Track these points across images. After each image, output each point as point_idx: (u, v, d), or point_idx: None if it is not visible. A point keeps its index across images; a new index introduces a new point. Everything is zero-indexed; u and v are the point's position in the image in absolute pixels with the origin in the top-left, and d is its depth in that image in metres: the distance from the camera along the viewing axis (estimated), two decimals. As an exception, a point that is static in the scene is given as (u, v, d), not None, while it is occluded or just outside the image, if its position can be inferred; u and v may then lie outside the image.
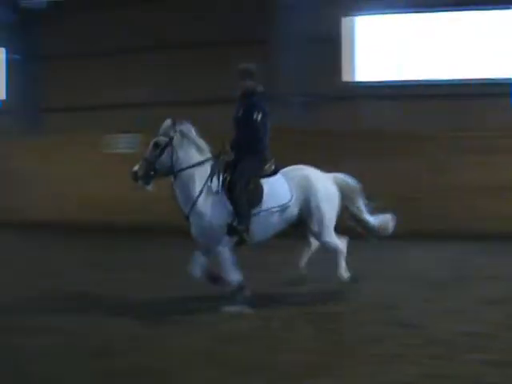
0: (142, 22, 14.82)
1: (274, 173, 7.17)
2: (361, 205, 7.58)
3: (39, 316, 6.53)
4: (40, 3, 15.63)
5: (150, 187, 6.90)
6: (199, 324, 6.26)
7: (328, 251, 7.38)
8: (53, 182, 14.34)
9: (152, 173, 6.84)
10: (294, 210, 7.10)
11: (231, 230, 6.80)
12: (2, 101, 16.29)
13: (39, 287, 8.01)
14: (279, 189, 7.05)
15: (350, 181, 7.61)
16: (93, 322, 6.29)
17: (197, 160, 6.94)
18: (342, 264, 7.34)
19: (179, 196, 6.92)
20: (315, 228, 7.22)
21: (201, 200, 6.84)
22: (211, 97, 14.04)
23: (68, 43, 15.44)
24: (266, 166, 7.14)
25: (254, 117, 7.03)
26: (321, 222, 7.19)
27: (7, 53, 16.13)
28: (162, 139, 6.91)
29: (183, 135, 7.00)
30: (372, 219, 7.61)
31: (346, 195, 7.48)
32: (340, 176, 7.61)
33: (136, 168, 6.83)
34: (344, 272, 7.32)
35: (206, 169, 6.96)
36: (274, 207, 6.98)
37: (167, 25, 14.56)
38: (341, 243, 7.39)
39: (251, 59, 13.61)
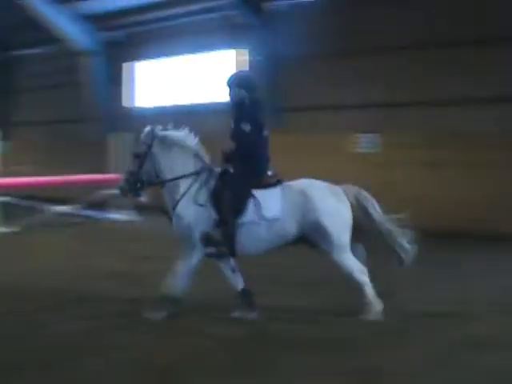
0: (379, 22, 15.32)
1: (275, 185, 6.98)
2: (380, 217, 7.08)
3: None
4: (281, 5, 16.77)
5: (142, 198, 7.15)
6: (440, 327, 6.55)
7: (344, 274, 6.93)
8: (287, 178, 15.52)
9: (139, 184, 7.02)
10: (286, 225, 6.82)
11: (206, 239, 6.83)
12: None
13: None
14: (269, 201, 6.82)
15: (363, 193, 7.18)
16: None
17: (182, 172, 6.96)
18: (368, 294, 6.83)
19: (167, 201, 7.03)
20: (324, 246, 6.89)
21: (182, 202, 6.86)
22: (449, 97, 14.33)
23: (308, 44, 16.33)
24: (266, 178, 6.99)
25: (242, 128, 6.95)
26: (327, 239, 6.83)
27: (250, 54, 17.41)
28: (141, 148, 7.02)
29: (163, 142, 7.02)
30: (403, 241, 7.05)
31: (363, 207, 7.10)
32: (353, 188, 7.20)
33: (122, 183, 7.07)
34: (373, 306, 6.80)
35: (195, 178, 6.95)
36: (259, 219, 6.79)
37: (409, 25, 14.89)
38: (359, 267, 6.87)
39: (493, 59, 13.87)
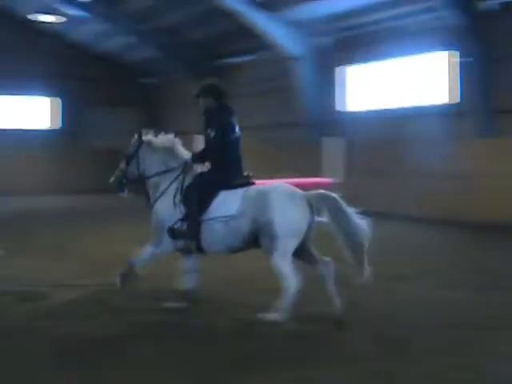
0: None
1: (245, 186, 7.79)
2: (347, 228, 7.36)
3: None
4: (493, 4, 16.74)
5: (124, 194, 8.34)
6: None
7: (278, 277, 7.28)
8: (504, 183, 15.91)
9: (124, 181, 8.28)
10: (241, 223, 7.49)
11: (172, 233, 7.77)
12: (458, 103, 17.81)
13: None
14: (229, 200, 7.61)
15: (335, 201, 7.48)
16: None
17: (160, 169, 8.11)
18: (285, 302, 7.18)
19: (151, 196, 8.15)
20: (265, 244, 7.41)
21: (159, 201, 7.95)
22: None
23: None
24: (237, 179, 7.85)
25: (208, 132, 7.93)
26: (271, 239, 7.31)
27: (461, 56, 17.57)
28: (130, 151, 8.29)
29: (149, 145, 8.22)
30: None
31: (332, 213, 7.42)
32: (323, 195, 7.58)
33: (111, 179, 8.29)
34: (275, 316, 7.14)
35: (172, 176, 8.02)
36: (219, 217, 7.58)
37: None
38: (294, 277, 7.22)
39: None
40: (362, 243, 7.40)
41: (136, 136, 8.39)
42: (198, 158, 8.13)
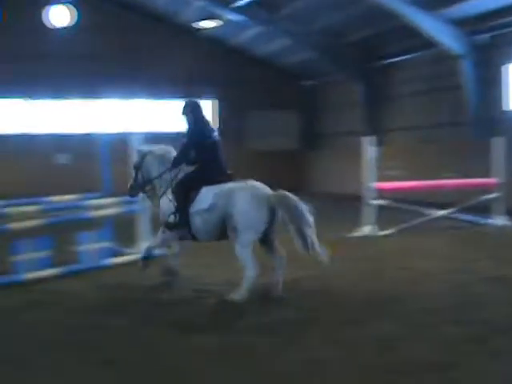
0: None
1: (224, 182, 9.22)
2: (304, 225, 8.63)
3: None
4: None
5: (138, 197, 10.71)
6: None
7: (241, 264, 8.78)
8: None
9: (135, 187, 10.16)
10: (214, 216, 9.01)
11: (167, 225, 9.46)
12: None
13: None
14: (206, 196, 9.12)
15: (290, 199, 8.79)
16: None
17: (160, 171, 9.84)
18: (243, 287, 8.68)
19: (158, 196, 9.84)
20: (230, 235, 8.96)
21: (161, 200, 9.71)
22: None
23: None
24: (218, 177, 9.33)
25: (183, 140, 9.75)
26: (233, 231, 8.85)
27: None
28: (136, 162, 10.18)
29: (151, 155, 10.00)
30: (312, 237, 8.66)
31: (289, 213, 8.71)
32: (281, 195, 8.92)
33: (129, 186, 10.14)
34: (238, 296, 8.64)
35: (167, 178, 9.73)
36: (199, 210, 9.11)
37: None
38: (253, 266, 8.70)
39: None
40: (311, 234, 8.76)
41: (141, 149, 10.39)
42: (174, 161, 9.84)
